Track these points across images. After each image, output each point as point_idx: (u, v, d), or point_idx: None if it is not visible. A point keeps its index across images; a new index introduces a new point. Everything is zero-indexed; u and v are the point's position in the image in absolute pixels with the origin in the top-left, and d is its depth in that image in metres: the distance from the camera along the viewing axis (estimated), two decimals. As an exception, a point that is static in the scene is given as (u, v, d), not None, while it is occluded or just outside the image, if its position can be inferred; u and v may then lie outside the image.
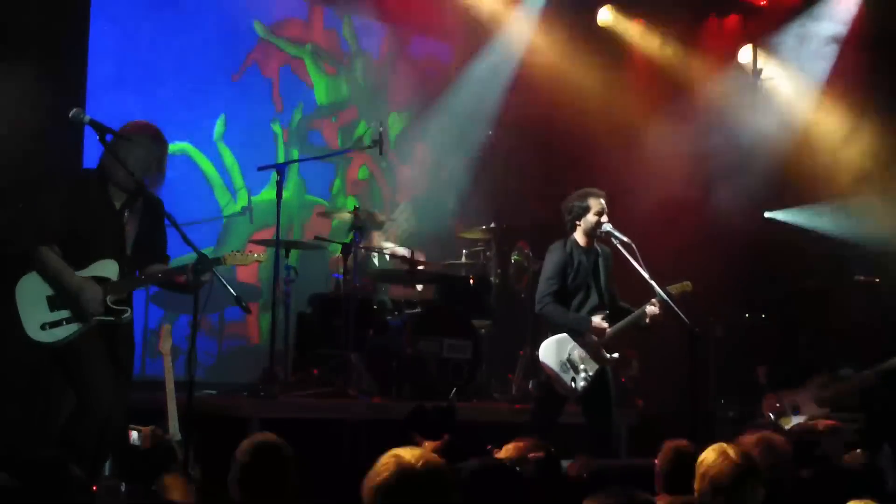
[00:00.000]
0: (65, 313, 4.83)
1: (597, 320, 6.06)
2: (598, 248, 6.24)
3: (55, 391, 5.92)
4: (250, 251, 5.62)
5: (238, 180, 8.85)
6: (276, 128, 9.16)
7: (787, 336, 7.78)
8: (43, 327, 4.80)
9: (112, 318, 4.90)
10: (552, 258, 6.18)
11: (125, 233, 4.98)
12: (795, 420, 7.14)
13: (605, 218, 6.12)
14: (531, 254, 8.07)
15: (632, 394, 8.14)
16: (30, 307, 4.80)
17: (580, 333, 6.07)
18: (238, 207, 8.76)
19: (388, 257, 8.15)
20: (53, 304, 4.83)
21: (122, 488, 5.34)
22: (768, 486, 3.65)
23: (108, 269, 4.92)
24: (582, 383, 6.00)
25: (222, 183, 8.78)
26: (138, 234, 5.02)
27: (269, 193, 8.66)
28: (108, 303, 4.88)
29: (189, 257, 4.92)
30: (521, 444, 3.74)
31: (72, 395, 4.99)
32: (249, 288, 8.23)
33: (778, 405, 7.35)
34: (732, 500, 3.58)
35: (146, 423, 5.42)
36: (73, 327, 4.83)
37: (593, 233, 6.15)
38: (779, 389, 7.40)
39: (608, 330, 6.06)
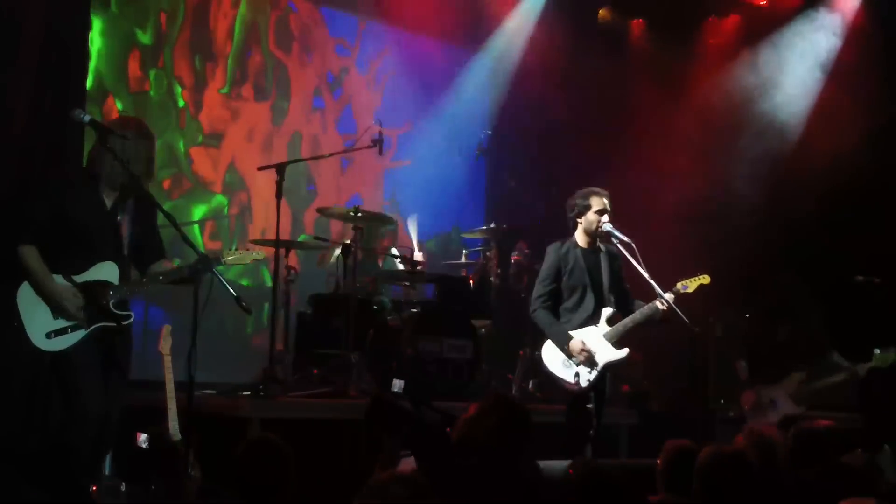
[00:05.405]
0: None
1: (575, 344, 5.92)
2: (603, 248, 6.17)
3: (54, 389, 5.91)
4: (248, 249, 5.59)
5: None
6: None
7: (767, 330, 7.80)
8: (48, 336, 4.70)
9: (114, 324, 4.83)
10: (546, 260, 6.18)
11: (120, 233, 4.90)
12: (773, 416, 7.12)
13: (605, 217, 6.07)
14: (531, 254, 8.07)
15: (641, 395, 8.16)
16: (32, 315, 4.70)
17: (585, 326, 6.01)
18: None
19: (391, 258, 8.13)
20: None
21: (122, 488, 5.35)
22: (766, 484, 3.65)
23: (107, 271, 4.83)
24: (587, 377, 5.91)
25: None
26: (133, 234, 4.94)
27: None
28: (111, 307, 4.82)
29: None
30: (482, 402, 3.71)
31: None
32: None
33: (755, 401, 7.36)
34: (727, 499, 3.59)
35: (146, 424, 5.42)
36: (78, 334, 4.74)
37: (594, 232, 6.11)
38: (758, 384, 7.40)
39: (609, 332, 5.97)
